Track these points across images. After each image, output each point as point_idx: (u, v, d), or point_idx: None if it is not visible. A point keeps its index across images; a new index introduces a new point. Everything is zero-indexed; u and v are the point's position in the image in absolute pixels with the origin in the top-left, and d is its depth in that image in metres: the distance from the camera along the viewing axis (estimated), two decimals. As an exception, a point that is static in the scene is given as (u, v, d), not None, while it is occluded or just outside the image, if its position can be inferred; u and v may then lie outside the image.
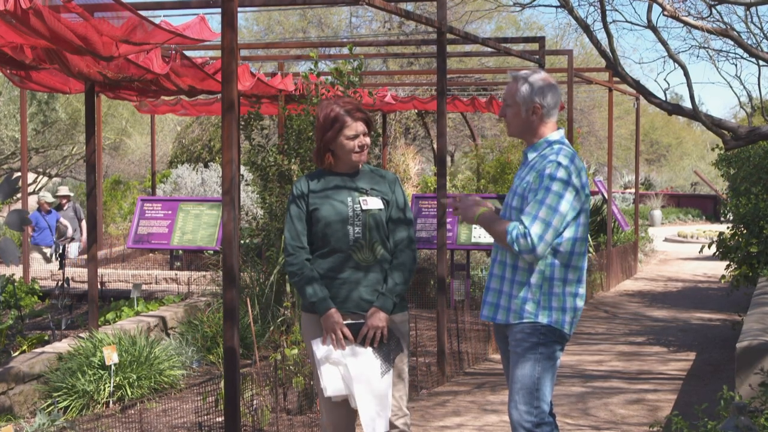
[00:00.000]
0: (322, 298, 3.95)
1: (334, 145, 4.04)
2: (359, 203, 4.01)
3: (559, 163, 3.78)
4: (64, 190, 13.88)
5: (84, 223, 13.96)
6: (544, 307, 3.82)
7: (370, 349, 3.94)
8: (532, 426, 3.82)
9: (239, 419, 4.47)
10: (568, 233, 3.83)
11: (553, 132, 3.95)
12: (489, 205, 4.03)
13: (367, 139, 4.07)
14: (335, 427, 4.09)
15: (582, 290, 3.92)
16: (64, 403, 6.28)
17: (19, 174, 14.09)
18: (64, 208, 13.55)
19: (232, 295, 4.35)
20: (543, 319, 3.82)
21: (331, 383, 3.91)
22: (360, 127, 4.04)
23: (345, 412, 4.06)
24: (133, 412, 5.84)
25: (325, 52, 18.90)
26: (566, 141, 3.97)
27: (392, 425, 4.02)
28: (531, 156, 3.95)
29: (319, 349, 3.93)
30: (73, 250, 13.18)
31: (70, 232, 13.21)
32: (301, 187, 4.08)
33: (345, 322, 3.95)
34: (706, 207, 30.89)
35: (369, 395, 3.89)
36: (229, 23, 4.39)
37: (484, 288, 4.08)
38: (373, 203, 4.02)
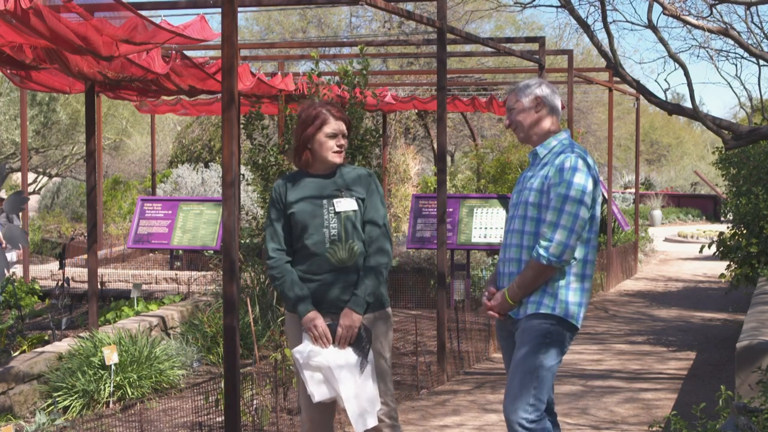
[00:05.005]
0: (302, 300, 3.98)
1: (312, 143, 4.07)
2: (333, 205, 4.04)
3: (578, 156, 3.86)
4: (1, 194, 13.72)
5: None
6: (562, 300, 3.84)
7: (348, 348, 3.96)
8: (526, 422, 3.82)
9: (239, 419, 4.47)
10: None
11: (559, 132, 4.03)
12: (496, 291, 4.03)
13: (345, 141, 4.11)
14: (312, 422, 4.12)
15: (591, 285, 3.97)
16: (65, 403, 6.28)
17: (11, 165, 13.96)
18: None
19: (232, 289, 4.37)
20: (560, 312, 3.84)
21: (317, 389, 3.94)
22: (340, 126, 4.08)
23: (323, 407, 4.09)
24: (133, 411, 5.84)
25: (325, 52, 18.87)
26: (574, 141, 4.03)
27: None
28: (542, 152, 3.99)
29: (301, 354, 3.96)
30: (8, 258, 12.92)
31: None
32: (279, 191, 4.12)
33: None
34: (706, 207, 30.90)
35: (354, 393, 3.92)
36: (229, 16, 4.39)
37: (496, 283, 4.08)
38: (347, 204, 4.04)
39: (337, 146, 4.07)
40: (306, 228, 4.01)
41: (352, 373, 3.93)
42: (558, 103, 4.04)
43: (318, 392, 3.94)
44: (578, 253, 3.86)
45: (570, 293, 3.85)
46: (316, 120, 4.06)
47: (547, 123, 4.01)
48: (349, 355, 3.94)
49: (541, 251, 3.78)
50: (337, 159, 4.07)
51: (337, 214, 4.02)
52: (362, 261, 4.04)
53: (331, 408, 4.15)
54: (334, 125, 4.06)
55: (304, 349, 3.96)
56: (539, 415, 3.84)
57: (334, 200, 4.04)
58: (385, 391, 4.12)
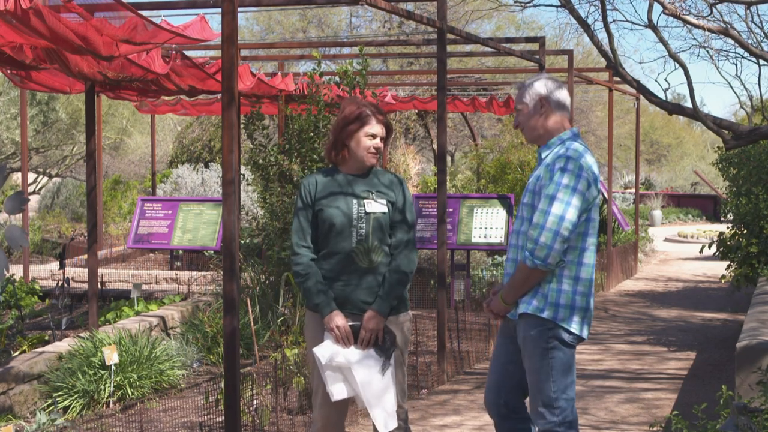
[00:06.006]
0: (326, 300, 3.97)
1: (350, 140, 4.06)
2: (363, 206, 4.02)
3: (569, 158, 3.78)
4: None
5: None
6: (552, 302, 3.81)
7: (370, 349, 3.96)
8: (554, 426, 3.80)
9: (239, 419, 4.47)
10: (577, 229, 3.82)
11: (566, 131, 3.95)
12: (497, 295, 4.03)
13: (382, 145, 4.11)
14: (327, 420, 4.11)
15: (593, 289, 3.91)
16: (65, 403, 6.28)
17: (11, 165, 13.89)
18: None
19: (232, 289, 4.36)
20: (548, 314, 3.80)
21: (336, 389, 3.95)
22: (381, 129, 4.08)
23: (338, 406, 4.09)
24: (133, 411, 5.84)
25: (325, 52, 18.85)
26: (580, 138, 3.96)
27: None
28: (545, 154, 3.95)
29: (322, 354, 3.95)
30: None
31: None
32: (309, 187, 4.09)
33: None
34: (706, 207, 30.89)
35: (376, 394, 3.93)
36: (229, 15, 4.39)
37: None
38: (377, 206, 4.03)
39: (374, 148, 4.06)
40: (333, 226, 4.00)
41: (373, 374, 3.92)
42: (564, 98, 3.95)
43: (337, 391, 3.94)
44: (572, 255, 3.81)
45: (561, 296, 3.80)
46: (359, 118, 4.05)
47: (552, 122, 3.93)
48: (370, 355, 3.94)
49: (527, 253, 3.75)
50: (372, 161, 4.08)
51: (367, 214, 4.01)
52: (388, 263, 4.04)
53: (345, 407, 4.15)
54: (375, 127, 4.06)
55: (326, 349, 3.95)
56: (566, 416, 3.80)
57: (365, 201, 4.03)
58: (400, 394, 4.12)
